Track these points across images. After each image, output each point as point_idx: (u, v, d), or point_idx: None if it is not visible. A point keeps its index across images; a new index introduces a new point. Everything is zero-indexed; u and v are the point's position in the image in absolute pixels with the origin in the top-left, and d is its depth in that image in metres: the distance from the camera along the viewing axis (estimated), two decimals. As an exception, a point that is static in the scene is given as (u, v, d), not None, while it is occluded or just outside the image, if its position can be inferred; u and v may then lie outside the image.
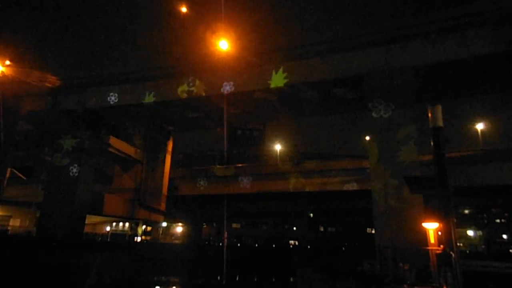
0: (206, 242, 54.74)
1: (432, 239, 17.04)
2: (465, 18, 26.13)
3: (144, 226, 56.91)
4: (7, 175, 47.35)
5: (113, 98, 37.53)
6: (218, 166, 52.03)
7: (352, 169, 41.42)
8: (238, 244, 55.71)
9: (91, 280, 26.83)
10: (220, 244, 47.11)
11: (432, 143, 17.61)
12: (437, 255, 15.50)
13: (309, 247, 51.25)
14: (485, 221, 57.30)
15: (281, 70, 31.58)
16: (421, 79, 28.40)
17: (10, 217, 51.40)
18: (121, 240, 47.85)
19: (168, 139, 48.19)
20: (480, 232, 57.16)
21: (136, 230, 54.29)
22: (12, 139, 44.18)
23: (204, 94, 34.24)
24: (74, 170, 37.42)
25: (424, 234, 17.96)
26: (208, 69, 34.15)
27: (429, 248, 16.98)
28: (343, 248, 47.47)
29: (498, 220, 57.78)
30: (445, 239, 15.45)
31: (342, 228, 69.40)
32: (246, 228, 73.50)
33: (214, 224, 71.75)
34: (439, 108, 17.89)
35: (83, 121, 39.16)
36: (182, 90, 34.95)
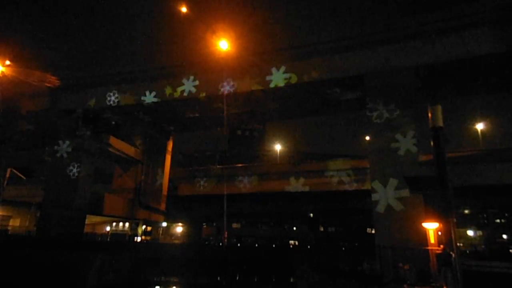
0: (206, 242, 54.74)
1: (432, 239, 17.05)
2: (465, 18, 26.15)
3: (144, 226, 56.90)
4: (7, 175, 47.36)
5: (113, 98, 37.55)
6: (218, 166, 52.04)
7: (352, 169, 41.42)
8: (238, 244, 55.72)
9: (91, 280, 26.82)
10: (220, 244, 47.12)
11: (432, 143, 17.60)
12: (437, 255, 15.50)
13: (309, 247, 51.20)
14: (485, 221, 57.29)
15: (281, 70, 31.60)
16: (421, 79, 28.40)
17: (10, 217, 51.40)
18: (121, 240, 47.84)
19: (168, 139, 48.20)
20: (480, 232, 57.16)
21: (136, 230, 54.28)
22: (12, 139, 44.18)
23: (204, 94, 34.25)
24: (74, 170, 37.43)
25: (424, 234, 17.98)
26: (208, 69, 34.16)
27: (429, 248, 16.99)
28: (343, 248, 47.45)
29: (498, 220, 57.78)
30: (445, 239, 15.45)
31: (342, 228, 69.37)
32: (246, 228, 73.48)
33: (214, 224, 71.72)
34: (439, 108, 17.89)
35: (83, 121, 39.16)
36: (182, 90, 34.97)
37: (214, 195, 47.89)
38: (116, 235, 55.00)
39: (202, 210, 58.51)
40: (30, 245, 30.80)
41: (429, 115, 18.04)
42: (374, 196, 26.21)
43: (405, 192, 25.03)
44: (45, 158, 45.59)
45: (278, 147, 61.61)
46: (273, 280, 31.39)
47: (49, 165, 41.65)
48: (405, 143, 26.30)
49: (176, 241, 57.55)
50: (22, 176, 51.13)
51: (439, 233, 16.94)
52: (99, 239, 44.75)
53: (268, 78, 31.98)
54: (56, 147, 39.07)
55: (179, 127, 46.14)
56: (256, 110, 37.70)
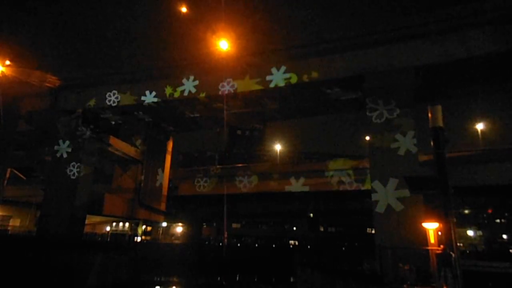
0: (206, 242, 54.73)
1: (432, 239, 17.03)
2: (465, 18, 26.14)
3: (144, 226, 56.93)
4: (7, 175, 47.36)
5: (113, 98, 37.56)
6: (218, 166, 52.04)
7: (352, 169, 41.44)
8: (238, 244, 55.71)
9: (91, 280, 26.83)
10: (220, 244, 47.13)
11: (432, 143, 17.59)
12: (437, 255, 15.48)
13: (309, 247, 51.22)
14: (485, 221, 57.33)
15: (281, 70, 31.60)
16: (421, 79, 28.40)
17: (10, 217, 51.44)
18: (121, 240, 47.88)
19: (168, 139, 48.21)
20: (480, 232, 57.19)
21: (136, 230, 54.27)
22: (12, 139, 44.18)
23: (204, 94, 34.25)
24: (74, 170, 37.43)
25: (424, 234, 17.96)
26: (208, 69, 34.16)
27: (429, 248, 16.97)
28: (343, 248, 47.47)
29: (498, 220, 57.82)
30: (445, 239, 15.44)
31: (342, 228, 69.41)
32: (246, 228, 73.53)
33: (214, 224, 71.74)
34: (439, 108, 17.87)
35: (83, 121, 39.15)
36: (182, 90, 34.97)
37: (214, 195, 47.90)
38: (116, 235, 55.06)
39: (202, 210, 58.53)
40: (30, 245, 30.81)
41: (429, 115, 18.03)
42: (374, 196, 26.20)
43: (405, 192, 25.01)
44: (45, 158, 45.60)
45: (278, 147, 61.61)
46: (273, 280, 31.41)
47: (49, 165, 41.67)
48: (405, 143, 26.28)
49: (176, 241, 57.59)
50: (22, 176, 51.12)
51: (439, 233, 16.93)
52: (99, 239, 44.79)
53: (268, 78, 31.97)
54: (56, 147, 39.06)
55: (179, 127, 46.12)
56: (256, 110, 37.68)
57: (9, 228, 47.42)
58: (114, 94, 37.58)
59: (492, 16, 25.45)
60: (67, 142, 38.73)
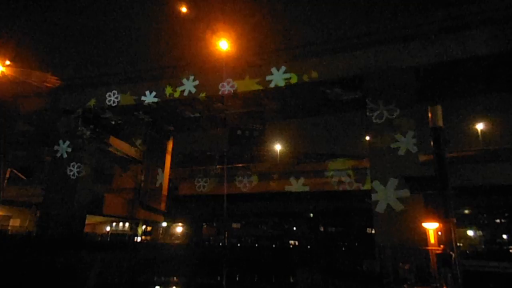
0: (206, 242, 54.72)
1: (432, 239, 17.04)
2: (465, 18, 26.15)
3: (144, 226, 56.94)
4: (7, 175, 47.35)
5: (113, 98, 37.55)
6: (218, 166, 52.04)
7: (352, 169, 41.45)
8: (238, 244, 55.70)
9: (91, 280, 26.83)
10: (220, 244, 47.14)
11: (432, 143, 17.60)
12: (437, 255, 15.49)
13: (309, 247, 51.22)
14: (485, 221, 57.30)
15: (281, 70, 31.60)
16: (421, 79, 28.40)
17: (10, 217, 51.43)
18: (121, 240, 47.88)
19: (168, 139, 48.21)
20: (480, 232, 57.17)
21: (136, 230, 54.27)
22: (12, 139, 44.19)
23: (204, 94, 34.24)
24: (74, 170, 37.42)
25: (424, 234, 17.96)
26: (208, 69, 34.15)
27: (429, 248, 16.98)
28: (343, 248, 47.46)
29: (498, 220, 57.79)
30: (445, 239, 15.44)
31: (342, 228, 69.36)
32: (246, 228, 73.47)
33: (214, 224, 71.72)
34: (439, 108, 17.88)
35: (83, 121, 39.14)
36: (182, 90, 34.97)
37: (214, 195, 47.93)
38: (116, 235, 55.07)
39: (202, 210, 58.53)
40: (30, 245, 30.80)
41: (429, 115, 18.03)
42: (374, 196, 26.20)
43: (405, 192, 25.03)
44: (45, 158, 45.59)
45: (278, 147, 61.61)
46: (273, 280, 31.41)
47: (49, 165, 41.66)
48: (405, 143, 26.29)
49: (176, 241, 57.58)
50: (22, 176, 51.12)
51: (439, 233, 16.93)
52: (99, 239, 44.77)
53: (268, 78, 31.97)
54: (56, 147, 39.05)
55: (179, 127, 46.13)
56: (256, 110, 37.68)
57: (9, 228, 47.38)
58: (114, 94, 37.57)
59: (492, 16, 25.46)
60: (67, 142, 38.71)
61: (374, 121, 27.75)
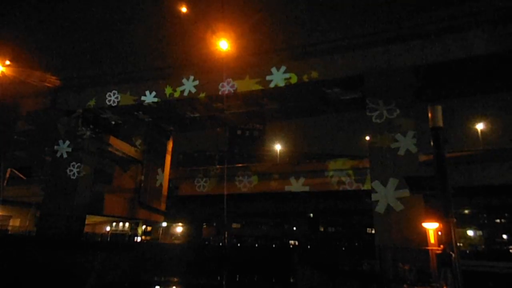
0: (206, 242, 54.73)
1: (432, 239, 17.02)
2: (465, 18, 26.14)
3: (144, 226, 56.97)
4: (7, 175, 47.35)
5: (113, 98, 37.56)
6: (218, 166, 52.05)
7: (352, 169, 41.44)
8: (238, 244, 55.70)
9: (91, 280, 26.82)
10: (220, 244, 47.12)
11: (432, 143, 17.59)
12: (437, 255, 15.47)
13: (309, 247, 51.23)
14: (485, 221, 57.32)
15: (281, 70, 31.59)
16: (421, 79, 28.40)
17: (10, 217, 51.43)
18: (121, 240, 47.86)
19: (168, 139, 48.21)
20: (480, 232, 57.18)
21: (136, 230, 54.29)
22: (12, 139, 44.19)
23: (204, 94, 34.25)
24: (74, 170, 37.43)
25: (424, 234, 17.96)
26: (208, 69, 34.15)
27: (429, 248, 16.97)
28: (343, 248, 47.45)
29: (498, 220, 57.81)
30: (445, 239, 15.42)
31: (342, 228, 69.39)
32: (246, 228, 73.48)
33: (214, 224, 71.75)
34: (439, 108, 17.85)
35: (83, 121, 39.16)
36: (182, 90, 34.97)
37: (214, 195, 47.92)
38: (116, 235, 55.05)
39: (202, 210, 58.54)
40: (30, 245, 30.80)
41: (429, 115, 18.02)
42: (374, 196, 26.21)
43: (405, 192, 25.03)
44: (45, 158, 45.60)
45: (278, 147, 61.61)
46: (273, 280, 31.39)
47: (49, 165, 41.66)
48: (405, 143, 26.29)
49: (176, 241, 57.57)
50: (22, 176, 51.12)
51: (439, 233, 16.92)
52: (99, 239, 44.75)
53: (268, 78, 31.97)
54: (56, 147, 39.05)
55: (179, 127, 46.14)
56: (256, 110, 37.68)
57: (9, 228, 47.38)
58: (114, 94, 37.58)
59: (492, 16, 25.45)
60: (67, 142, 38.71)
61: (374, 121, 27.75)
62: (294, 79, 31.06)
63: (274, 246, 54.20)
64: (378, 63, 28.50)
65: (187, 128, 47.31)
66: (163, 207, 46.18)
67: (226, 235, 48.77)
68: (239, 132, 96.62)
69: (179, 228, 64.93)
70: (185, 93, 34.83)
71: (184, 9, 34.87)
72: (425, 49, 27.19)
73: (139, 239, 49.63)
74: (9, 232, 44.21)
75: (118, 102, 37.40)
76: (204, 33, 32.11)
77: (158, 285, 31.70)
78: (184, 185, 49.45)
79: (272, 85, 31.73)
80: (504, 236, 56.26)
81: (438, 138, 17.07)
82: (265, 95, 33.80)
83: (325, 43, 30.41)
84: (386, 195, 25.61)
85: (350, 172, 41.44)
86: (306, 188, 43.16)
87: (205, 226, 71.33)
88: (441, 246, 15.71)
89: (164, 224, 55.11)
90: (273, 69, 31.87)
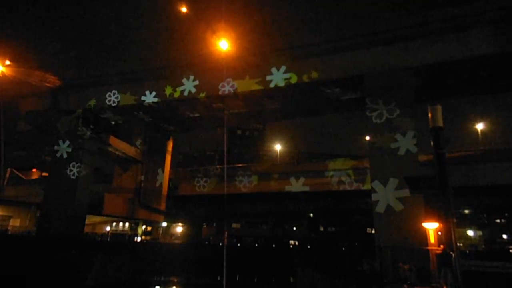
0: (206, 242, 54.74)
1: (432, 239, 17.04)
2: (465, 18, 26.14)
3: (144, 226, 56.94)
4: (7, 175, 47.35)
5: (113, 98, 37.56)
6: (218, 166, 52.03)
7: (352, 169, 41.43)
8: (238, 244, 55.70)
9: (91, 280, 26.84)
10: (220, 244, 47.10)
11: (432, 143, 17.59)
12: (437, 255, 15.49)
13: (309, 247, 51.22)
14: (485, 221, 57.29)
15: (281, 70, 31.60)
16: (421, 79, 28.40)
17: (10, 217, 51.43)
18: (121, 240, 47.86)
19: (168, 139, 48.22)
20: (480, 232, 57.13)
21: (136, 230, 54.27)
22: (12, 139, 44.18)
23: (204, 94, 34.25)
24: (74, 170, 37.43)
25: (424, 234, 17.97)
26: (208, 69, 34.15)
27: (429, 248, 16.98)
28: (343, 248, 47.44)
29: (498, 220, 57.77)
30: (445, 239, 15.43)
31: (342, 228, 69.31)
32: (246, 228, 73.42)
33: (214, 224, 71.72)
34: (439, 108, 17.85)
35: (83, 121, 39.16)
36: (182, 90, 34.97)
37: (214, 195, 47.93)
38: (116, 235, 55.03)
39: (202, 210, 58.53)
40: (30, 245, 30.80)
41: (429, 115, 18.03)
42: (374, 196, 26.21)
43: (405, 192, 25.04)
44: (45, 158, 45.60)
45: (278, 147, 61.56)
46: (273, 280, 31.40)
47: (49, 165, 41.65)
48: (405, 143, 26.30)
49: (176, 241, 57.56)
50: (22, 176, 51.09)
51: (439, 233, 16.93)
52: (99, 239, 44.76)
53: (268, 78, 31.97)
54: (56, 147, 39.06)
55: (179, 127, 46.13)
56: (256, 110, 37.68)
57: (9, 228, 47.37)
58: (114, 94, 37.58)
59: (492, 16, 25.45)
60: (67, 142, 38.73)
61: (374, 121, 27.76)
62: (294, 79, 31.06)
63: (274, 246, 54.19)
64: (378, 63, 28.50)
65: (187, 128, 47.30)
66: (163, 207, 46.18)
67: (226, 235, 48.69)
68: (239, 132, 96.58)
69: (179, 228, 64.90)
70: (185, 93, 34.83)
71: (184, 9, 34.84)
72: (425, 49, 27.20)
73: (139, 239, 49.60)
74: (9, 232, 44.21)
75: (118, 102, 37.40)
76: (204, 33, 32.08)
77: (158, 285, 31.72)
78: (184, 185, 49.45)
79: (272, 85, 31.73)
80: (504, 236, 56.22)
81: (438, 138, 17.08)
82: (265, 95, 33.80)
83: (325, 43, 30.41)
84: (386, 195, 25.62)
85: (350, 172, 41.45)
86: (306, 188, 43.16)
87: (205, 226, 71.29)
88: (441, 246, 15.72)
89: (164, 224, 55.13)
90: (273, 69, 31.87)
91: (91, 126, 39.53)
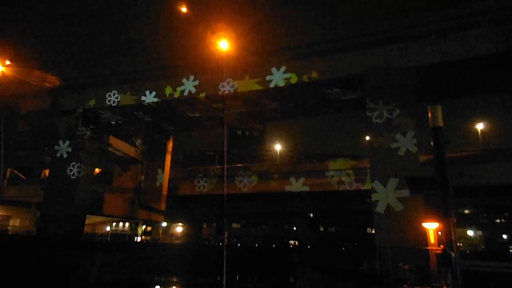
0: (206, 242, 54.74)
1: (432, 239, 17.05)
2: (465, 18, 26.14)
3: (144, 226, 56.94)
4: (7, 175, 47.36)
5: (113, 98, 37.56)
6: (218, 166, 52.04)
7: (352, 169, 41.43)
8: (238, 244, 55.71)
9: (91, 280, 26.83)
10: (220, 244, 47.10)
11: (432, 143, 17.59)
12: (437, 255, 15.50)
13: (309, 247, 51.22)
14: (485, 221, 57.30)
15: (281, 70, 31.60)
16: (421, 79, 28.40)
17: (10, 217, 51.45)
18: (121, 240, 47.87)
19: (168, 139, 48.22)
20: (480, 232, 57.16)
21: (136, 230, 54.28)
22: (12, 139, 44.19)
23: (204, 94, 34.25)
24: (74, 170, 37.43)
25: (424, 234, 17.97)
26: (208, 69, 34.15)
27: (429, 248, 16.99)
28: (343, 248, 47.45)
29: (498, 220, 57.78)
30: (445, 239, 15.43)
31: (342, 228, 69.36)
32: (246, 228, 73.49)
33: (214, 224, 71.75)
34: (439, 108, 17.87)
35: (83, 121, 39.17)
36: (182, 90, 34.97)
37: (214, 195, 47.91)
38: (116, 235, 55.05)
39: (202, 210, 58.53)
40: (30, 245, 30.78)
41: (429, 115, 18.03)
42: (374, 196, 26.20)
43: (405, 192, 25.03)
44: (45, 158, 45.61)
45: (278, 147, 61.56)
46: (273, 280, 31.39)
47: (49, 165, 41.66)
48: (405, 143, 26.30)
49: (176, 241, 57.57)
50: (22, 176, 51.11)
51: (439, 233, 16.93)
52: (99, 239, 44.77)
53: (268, 78, 31.97)
54: (56, 147, 39.06)
55: (179, 127, 46.13)
56: (256, 110, 37.68)
57: (9, 228, 47.39)
58: (114, 94, 37.58)
59: (492, 16, 25.44)
60: (67, 142, 38.72)
61: (374, 121, 27.75)
62: (294, 79, 31.05)
63: (274, 246, 54.18)
64: (378, 63, 28.49)
65: (187, 128, 47.30)
66: (163, 207, 46.18)
67: (226, 235, 48.71)
68: (239, 132, 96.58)
69: (179, 228, 64.91)
70: (185, 93, 34.83)
71: (184, 9, 34.87)
72: (425, 49, 27.19)
73: (139, 239, 49.62)
74: (9, 232, 44.22)
75: (118, 102, 37.40)
76: (204, 33, 32.11)
77: (158, 285, 31.70)
78: (184, 185, 49.45)
79: (272, 85, 31.72)
80: (504, 236, 56.24)
81: (438, 138, 17.09)
82: (265, 95, 33.79)
83: (325, 43, 30.40)
84: (386, 195, 25.61)
85: (350, 172, 41.44)
86: (306, 188, 43.16)
87: (205, 226, 71.31)
88: (441, 246, 15.73)
89: (164, 224, 55.12)
90: (273, 69, 31.87)
91: (91, 126, 39.53)
